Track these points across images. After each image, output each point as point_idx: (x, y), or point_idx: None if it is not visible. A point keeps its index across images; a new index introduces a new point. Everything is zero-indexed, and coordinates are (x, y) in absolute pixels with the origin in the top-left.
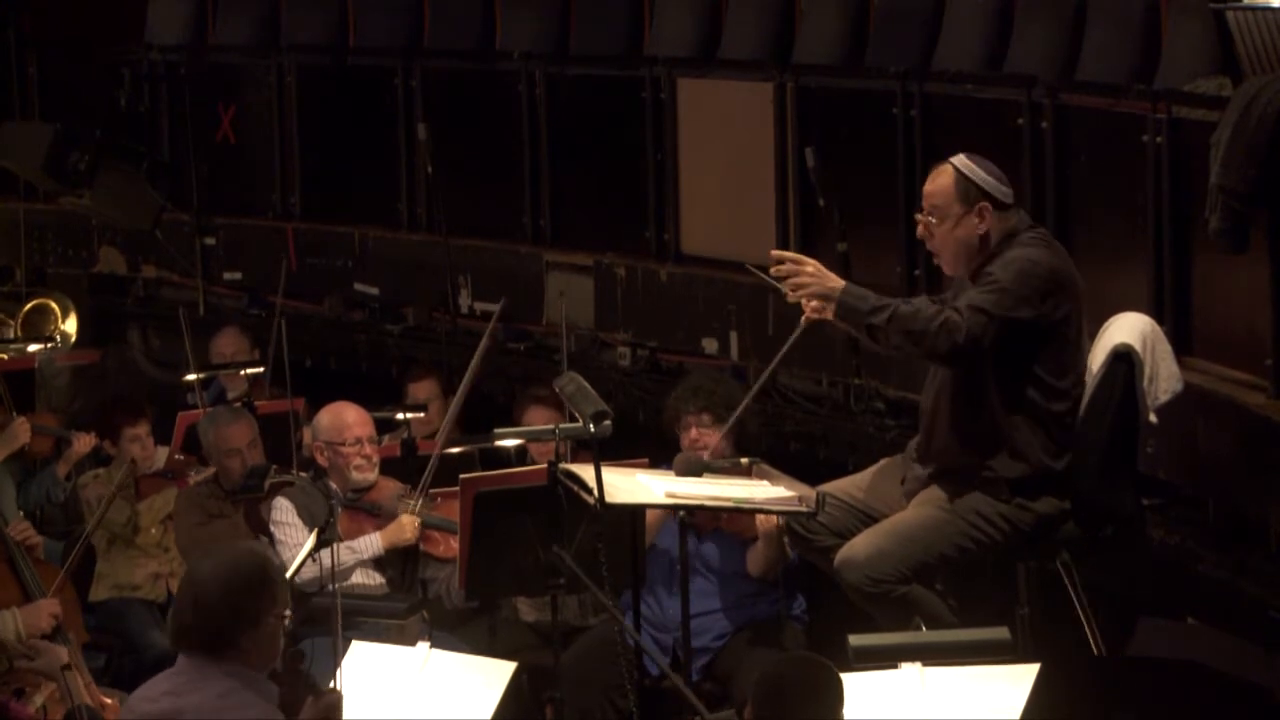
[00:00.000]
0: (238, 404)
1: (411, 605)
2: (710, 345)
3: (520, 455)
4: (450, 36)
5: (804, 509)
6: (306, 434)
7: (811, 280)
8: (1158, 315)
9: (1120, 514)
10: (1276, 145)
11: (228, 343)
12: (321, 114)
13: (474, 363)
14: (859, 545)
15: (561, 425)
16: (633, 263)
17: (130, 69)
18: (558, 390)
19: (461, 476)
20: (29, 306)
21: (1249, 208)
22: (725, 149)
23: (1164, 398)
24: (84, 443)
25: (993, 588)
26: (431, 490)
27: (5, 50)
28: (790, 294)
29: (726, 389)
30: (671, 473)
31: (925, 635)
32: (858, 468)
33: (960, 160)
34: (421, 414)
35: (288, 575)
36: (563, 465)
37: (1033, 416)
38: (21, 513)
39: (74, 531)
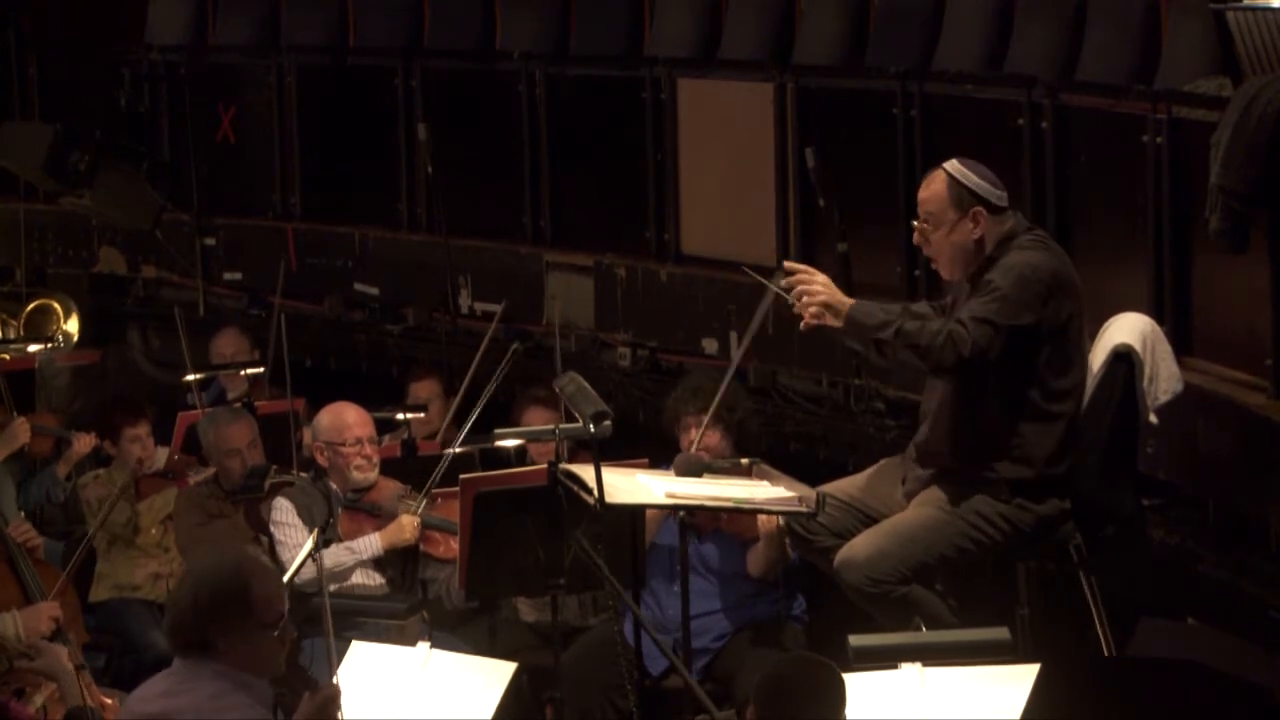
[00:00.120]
0: (238, 404)
1: (411, 605)
2: (710, 345)
3: (520, 455)
4: (450, 36)
5: (804, 509)
6: (306, 434)
7: (822, 294)
8: (1158, 315)
9: (1120, 514)
10: (1276, 145)
11: (228, 343)
12: (321, 114)
13: (475, 362)
14: (859, 546)
15: (561, 425)
16: (633, 263)
17: (130, 69)
18: (558, 390)
19: (461, 476)
20: (31, 307)
21: (1249, 208)
22: (725, 149)
23: (1164, 398)
24: (84, 443)
25: (993, 588)
26: (432, 490)
27: (5, 50)
28: (798, 305)
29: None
30: (671, 473)
31: (925, 635)
32: (858, 468)
33: (953, 165)
34: (421, 414)
35: (285, 577)
36: (563, 465)
37: (1034, 417)
38: (22, 513)
39: (74, 532)
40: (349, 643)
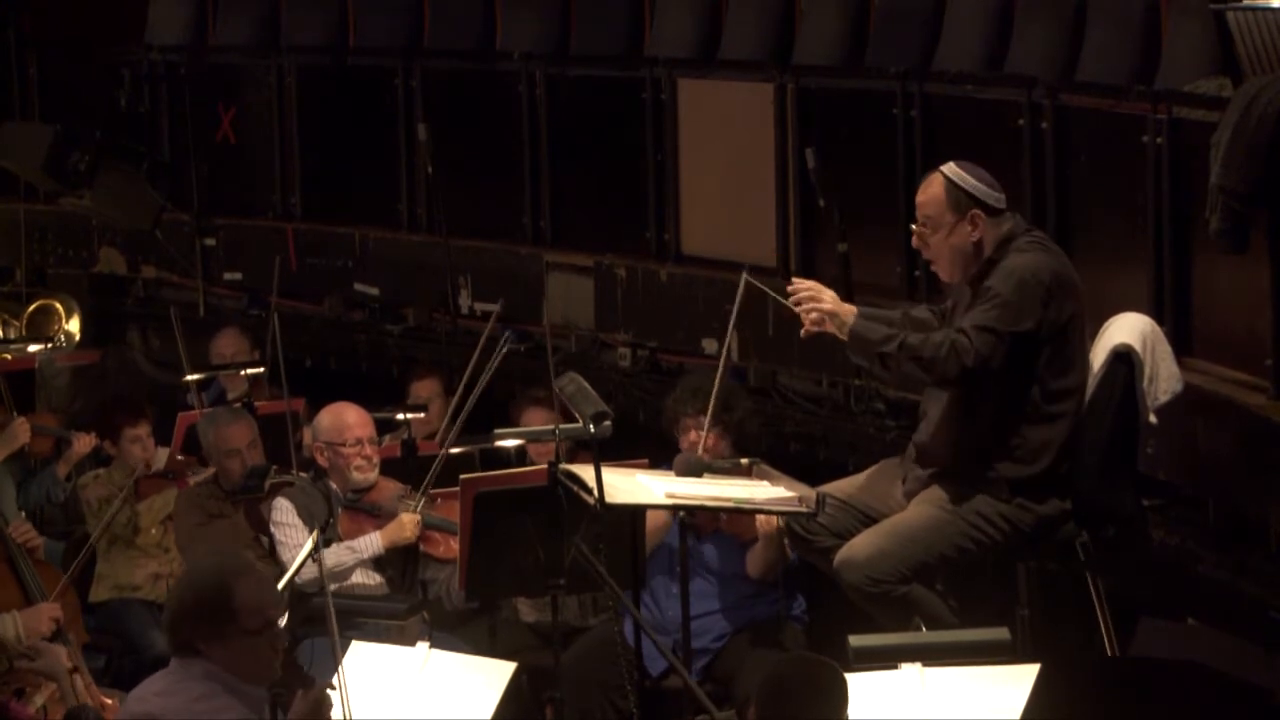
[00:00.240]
0: (237, 404)
1: (411, 606)
2: (710, 345)
3: (520, 456)
4: (450, 36)
5: (804, 509)
6: (306, 434)
7: (828, 304)
8: (1158, 315)
9: (1120, 514)
10: (1277, 145)
11: (227, 343)
12: (321, 114)
13: (471, 361)
14: (859, 545)
15: (561, 425)
16: (633, 263)
17: (130, 69)
18: (558, 390)
19: (461, 477)
20: (33, 307)
21: (1249, 208)
22: (725, 149)
23: (1164, 398)
24: (84, 443)
25: (993, 588)
26: (432, 490)
27: (5, 50)
28: (799, 310)
29: (726, 390)
30: (671, 473)
31: (925, 635)
32: (858, 468)
33: (950, 169)
34: (421, 414)
35: (285, 578)
36: (563, 466)
37: (1034, 417)
38: (22, 513)
39: (74, 532)
40: (349, 642)
